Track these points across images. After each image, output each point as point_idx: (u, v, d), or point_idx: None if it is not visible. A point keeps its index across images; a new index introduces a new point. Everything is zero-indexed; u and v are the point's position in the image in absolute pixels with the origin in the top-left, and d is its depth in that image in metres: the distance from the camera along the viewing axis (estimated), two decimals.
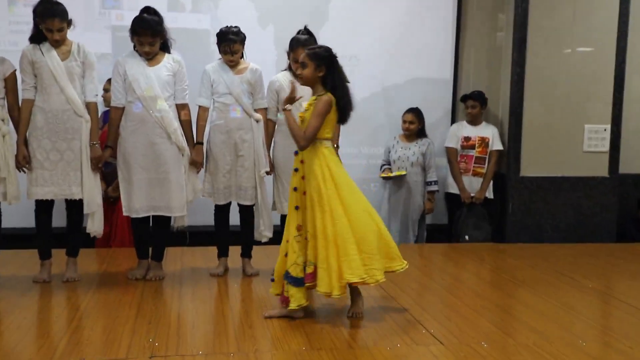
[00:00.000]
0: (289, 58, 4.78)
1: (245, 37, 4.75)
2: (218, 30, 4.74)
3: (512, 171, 6.29)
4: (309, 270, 3.82)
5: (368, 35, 6.38)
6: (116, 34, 6.02)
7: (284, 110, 3.96)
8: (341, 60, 3.90)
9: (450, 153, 6.31)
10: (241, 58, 4.80)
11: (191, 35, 6.05)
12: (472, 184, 6.24)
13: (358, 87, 5.90)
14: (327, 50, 3.85)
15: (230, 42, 4.68)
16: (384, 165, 6.24)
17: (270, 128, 4.86)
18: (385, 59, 6.51)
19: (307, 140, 3.82)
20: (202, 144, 4.76)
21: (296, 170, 3.90)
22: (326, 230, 3.71)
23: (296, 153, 3.92)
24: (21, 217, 4.98)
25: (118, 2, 6.09)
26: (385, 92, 6.56)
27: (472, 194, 6.20)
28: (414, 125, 6.09)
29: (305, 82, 3.93)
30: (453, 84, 6.66)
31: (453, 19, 6.60)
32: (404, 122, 6.11)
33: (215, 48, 4.81)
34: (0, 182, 4.39)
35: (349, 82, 3.87)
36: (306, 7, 6.22)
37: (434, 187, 6.14)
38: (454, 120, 6.63)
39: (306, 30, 4.74)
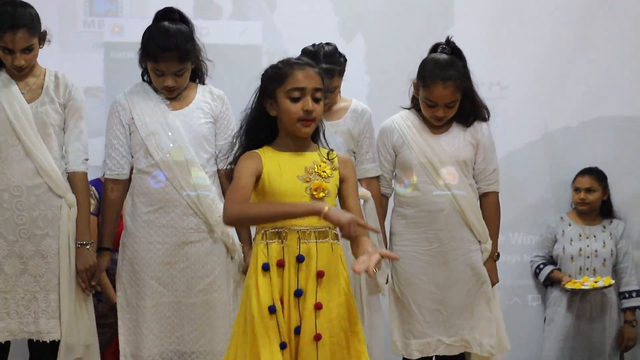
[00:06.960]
0: (416, 92, 3.59)
1: (345, 60, 3.60)
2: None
3: None
4: None
5: (520, 51, 4.86)
6: (111, 55, 4.48)
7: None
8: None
9: None
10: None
11: (232, 55, 4.59)
12: None
13: (503, 133, 4.51)
14: None
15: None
16: (542, 264, 4.76)
17: (383, 207, 3.70)
18: (549, 89, 4.89)
19: None
20: None
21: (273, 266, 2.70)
22: None
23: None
24: None
25: (114, 3, 4.48)
26: (549, 142, 4.92)
27: None
28: (595, 195, 4.68)
29: None
30: None
31: None
32: (577, 190, 4.72)
33: None
34: None
35: None
36: (416, 5, 4.77)
37: (635, 302, 4.67)
38: None
39: (451, 46, 3.52)
